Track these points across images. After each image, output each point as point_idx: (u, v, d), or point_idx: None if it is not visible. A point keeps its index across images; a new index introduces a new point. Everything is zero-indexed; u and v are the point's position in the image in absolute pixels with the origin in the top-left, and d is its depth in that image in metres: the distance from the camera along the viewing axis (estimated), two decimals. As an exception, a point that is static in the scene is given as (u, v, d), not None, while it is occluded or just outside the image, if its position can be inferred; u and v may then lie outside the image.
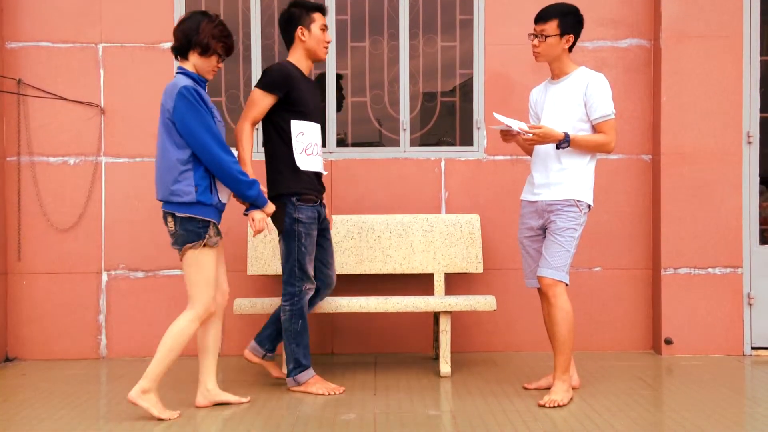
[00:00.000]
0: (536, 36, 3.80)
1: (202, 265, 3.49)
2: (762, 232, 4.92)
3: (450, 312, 4.38)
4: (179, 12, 4.95)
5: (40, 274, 4.91)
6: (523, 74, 4.96)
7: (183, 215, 3.45)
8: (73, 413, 3.67)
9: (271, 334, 4.11)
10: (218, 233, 3.54)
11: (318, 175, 3.99)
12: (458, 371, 4.44)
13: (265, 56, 5.01)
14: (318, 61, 4.05)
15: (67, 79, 4.92)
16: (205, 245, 3.48)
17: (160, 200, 3.52)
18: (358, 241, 4.73)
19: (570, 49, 3.82)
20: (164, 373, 3.51)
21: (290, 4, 3.99)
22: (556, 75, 3.86)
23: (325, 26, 3.98)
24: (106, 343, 4.93)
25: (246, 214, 3.70)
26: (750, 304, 4.85)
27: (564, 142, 3.68)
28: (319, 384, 3.96)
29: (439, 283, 4.73)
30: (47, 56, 4.91)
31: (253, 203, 3.64)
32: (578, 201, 3.76)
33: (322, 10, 3.98)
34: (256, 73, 4.98)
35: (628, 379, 4.25)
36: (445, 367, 4.35)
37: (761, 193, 4.92)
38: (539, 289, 3.87)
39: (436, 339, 4.74)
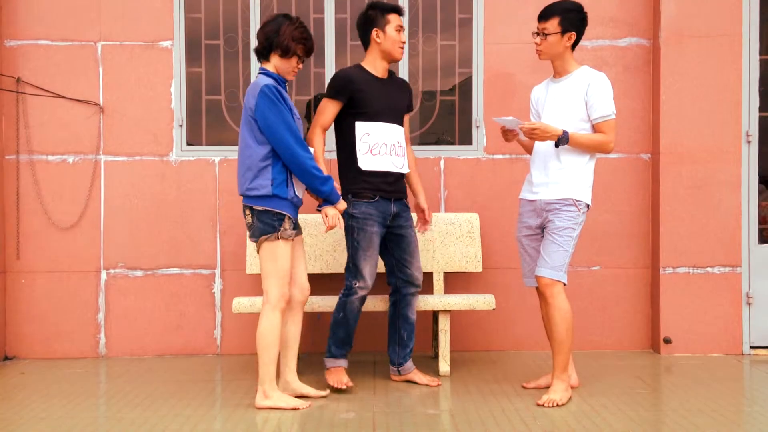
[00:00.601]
0: (538, 34, 3.80)
1: (277, 257, 3.58)
2: (761, 231, 4.92)
3: (449, 311, 4.38)
4: (178, 10, 4.95)
5: (39, 272, 4.91)
6: (523, 73, 4.96)
7: (259, 208, 3.57)
8: (72, 412, 3.66)
9: (391, 345, 4.17)
10: (295, 227, 3.62)
11: (387, 174, 3.98)
12: (457, 370, 4.44)
13: (264, 55, 4.99)
14: (394, 62, 4.07)
15: (66, 78, 4.91)
16: (279, 237, 3.55)
17: (241, 195, 3.64)
18: (358, 240, 4.72)
19: (573, 47, 3.82)
20: (274, 369, 3.61)
21: (367, 6, 4.06)
22: (558, 73, 3.86)
23: (401, 27, 4.01)
24: (105, 341, 4.93)
25: (319, 210, 3.75)
26: (749, 304, 4.86)
27: (563, 139, 3.69)
28: (334, 375, 4.00)
29: (438, 282, 4.72)
30: (46, 54, 4.90)
31: (326, 199, 3.70)
32: (576, 200, 3.76)
33: (398, 11, 4.02)
34: (255, 72, 4.97)
35: (627, 378, 4.25)
36: (444, 366, 4.35)
37: (760, 192, 4.92)
38: (538, 289, 3.87)
39: (435, 338, 4.74)
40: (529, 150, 4.03)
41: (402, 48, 4.03)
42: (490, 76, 4.99)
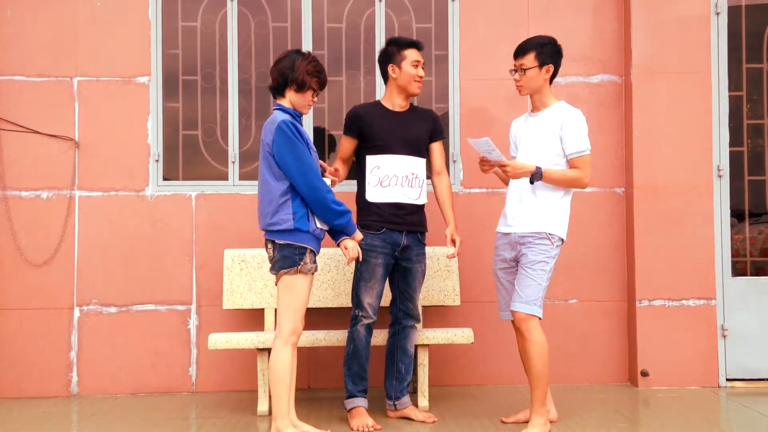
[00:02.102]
0: (516, 70, 3.86)
1: (295, 291, 3.57)
2: (734, 264, 4.98)
3: (428, 345, 4.36)
4: (156, 46, 4.96)
5: (11, 310, 4.82)
6: (498, 109, 5.02)
7: (281, 242, 3.56)
8: (43, 453, 3.58)
9: (388, 379, 4.14)
10: (314, 262, 3.61)
11: (398, 206, 3.99)
12: (436, 405, 4.41)
13: (241, 90, 5.03)
14: (412, 96, 4.12)
15: (41, 113, 4.88)
16: (299, 271, 3.54)
17: (262, 229, 3.63)
18: (335, 275, 4.71)
19: (551, 80, 3.88)
20: (287, 404, 3.56)
21: (387, 42, 4.15)
22: (536, 107, 3.92)
23: (418, 62, 4.05)
24: (77, 380, 4.83)
25: (338, 244, 3.73)
26: (724, 336, 4.89)
27: (536, 175, 3.73)
28: (356, 418, 3.92)
29: (416, 317, 4.70)
30: (22, 90, 4.88)
31: (342, 231, 3.69)
32: (550, 234, 3.79)
33: (416, 45, 4.08)
34: (233, 107, 5.00)
35: (605, 411, 4.25)
36: (423, 401, 4.32)
37: (733, 226, 5.00)
38: (513, 322, 3.88)
39: (414, 372, 4.70)
40: (505, 181, 4.06)
41: (419, 82, 4.07)
42: (466, 111, 5.05)
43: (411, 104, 4.19)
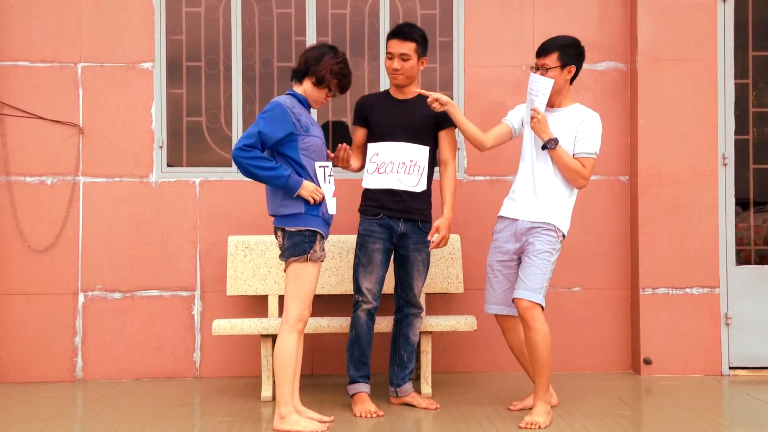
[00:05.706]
0: (538, 69, 3.84)
1: (303, 278, 3.56)
2: (738, 252, 4.98)
3: (431, 332, 4.37)
4: (160, 32, 4.95)
5: (16, 295, 4.83)
6: (502, 95, 5.00)
7: (292, 229, 3.55)
8: (48, 437, 3.60)
9: (391, 366, 4.15)
10: (323, 249, 3.61)
11: (393, 192, 3.97)
12: (439, 392, 4.42)
13: (245, 76, 5.01)
14: (398, 87, 4.09)
15: (45, 99, 4.88)
16: (308, 259, 3.53)
17: (271, 215, 3.62)
18: (339, 262, 4.71)
19: (571, 81, 3.90)
20: (290, 390, 3.57)
21: None
22: (551, 104, 3.89)
23: (391, 54, 4.00)
24: (81, 365, 4.85)
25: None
26: (727, 324, 4.89)
27: (552, 142, 3.76)
28: (359, 405, 3.94)
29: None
30: (26, 75, 4.87)
31: (286, 186, 3.51)
32: (556, 227, 3.82)
33: (393, 35, 4.02)
34: (237, 93, 4.99)
35: (608, 399, 4.26)
36: (426, 388, 4.33)
37: (737, 214, 4.99)
38: (498, 317, 3.95)
39: (417, 359, 4.72)
40: (466, 134, 3.99)
41: (393, 74, 4.04)
42: (470, 98, 5.03)
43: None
